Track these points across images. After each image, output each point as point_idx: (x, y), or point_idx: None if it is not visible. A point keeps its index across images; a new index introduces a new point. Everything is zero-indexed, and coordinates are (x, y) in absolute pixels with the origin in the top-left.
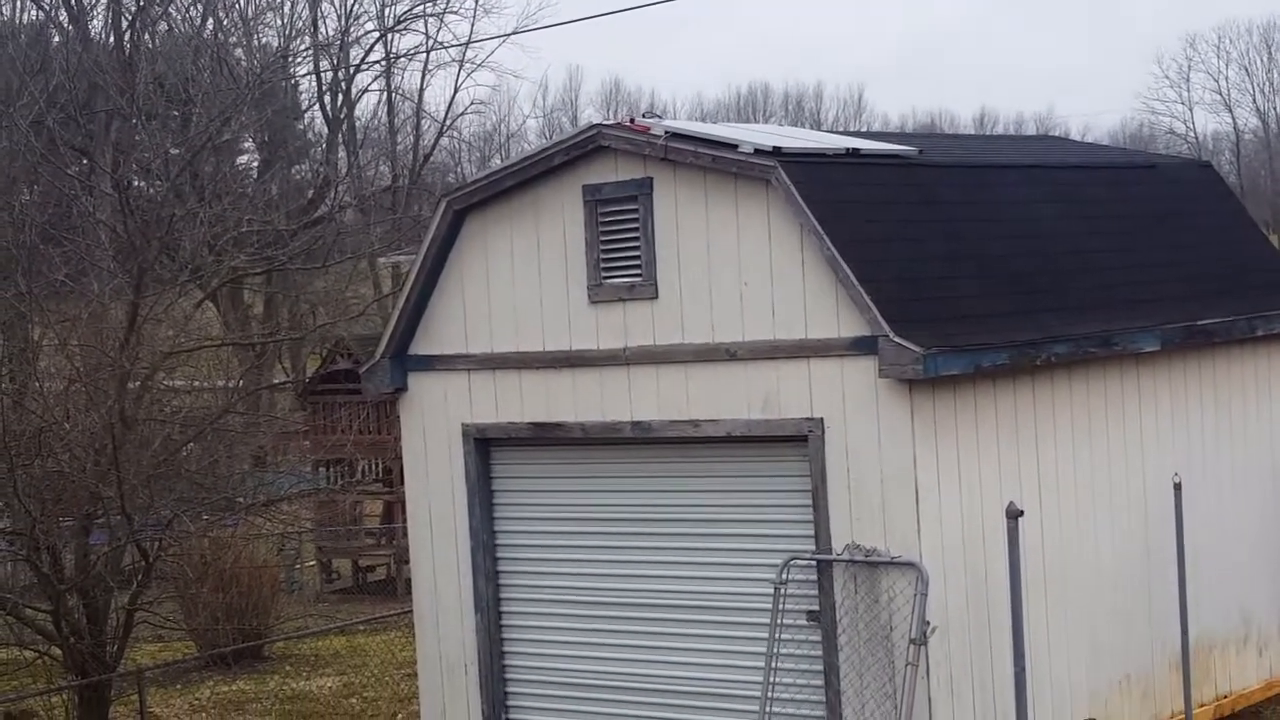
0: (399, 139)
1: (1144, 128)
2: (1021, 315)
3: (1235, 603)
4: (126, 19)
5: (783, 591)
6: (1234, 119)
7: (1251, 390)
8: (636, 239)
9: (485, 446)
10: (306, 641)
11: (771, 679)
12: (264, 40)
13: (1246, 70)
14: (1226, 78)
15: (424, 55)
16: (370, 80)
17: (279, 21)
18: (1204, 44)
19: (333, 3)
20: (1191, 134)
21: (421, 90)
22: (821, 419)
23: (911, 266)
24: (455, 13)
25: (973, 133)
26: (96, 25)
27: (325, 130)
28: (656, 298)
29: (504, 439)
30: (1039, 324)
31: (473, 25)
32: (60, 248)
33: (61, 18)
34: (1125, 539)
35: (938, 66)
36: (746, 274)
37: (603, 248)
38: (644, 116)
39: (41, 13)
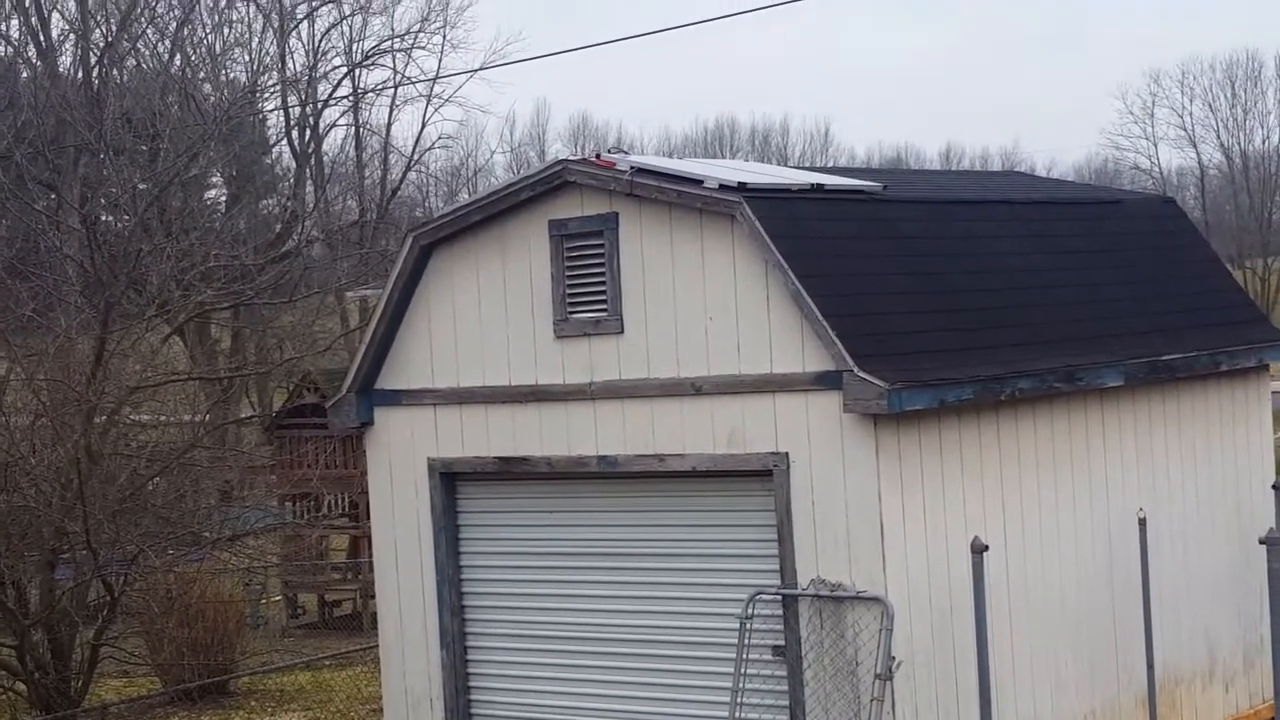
0: (366, 174)
1: (1109, 163)
2: (986, 350)
3: (1201, 637)
4: (95, 55)
5: (748, 626)
6: (1199, 154)
7: (1215, 425)
8: (602, 274)
9: (451, 481)
10: (272, 677)
11: (737, 714)
12: (232, 75)
13: (1210, 106)
14: (1191, 113)
15: (391, 90)
16: (338, 115)
17: (247, 57)
18: (1168, 80)
19: (300, 38)
20: (1156, 169)
21: (389, 125)
22: (786, 453)
23: (876, 301)
24: (423, 48)
25: (938, 168)
26: (65, 61)
27: (293, 165)
28: (622, 332)
29: (470, 473)
30: (1003, 359)
31: (440, 61)
32: (27, 282)
33: (30, 53)
34: (1090, 573)
35: (904, 101)
36: (711, 309)
37: (568, 283)
38: (609, 152)
39: (9, 48)
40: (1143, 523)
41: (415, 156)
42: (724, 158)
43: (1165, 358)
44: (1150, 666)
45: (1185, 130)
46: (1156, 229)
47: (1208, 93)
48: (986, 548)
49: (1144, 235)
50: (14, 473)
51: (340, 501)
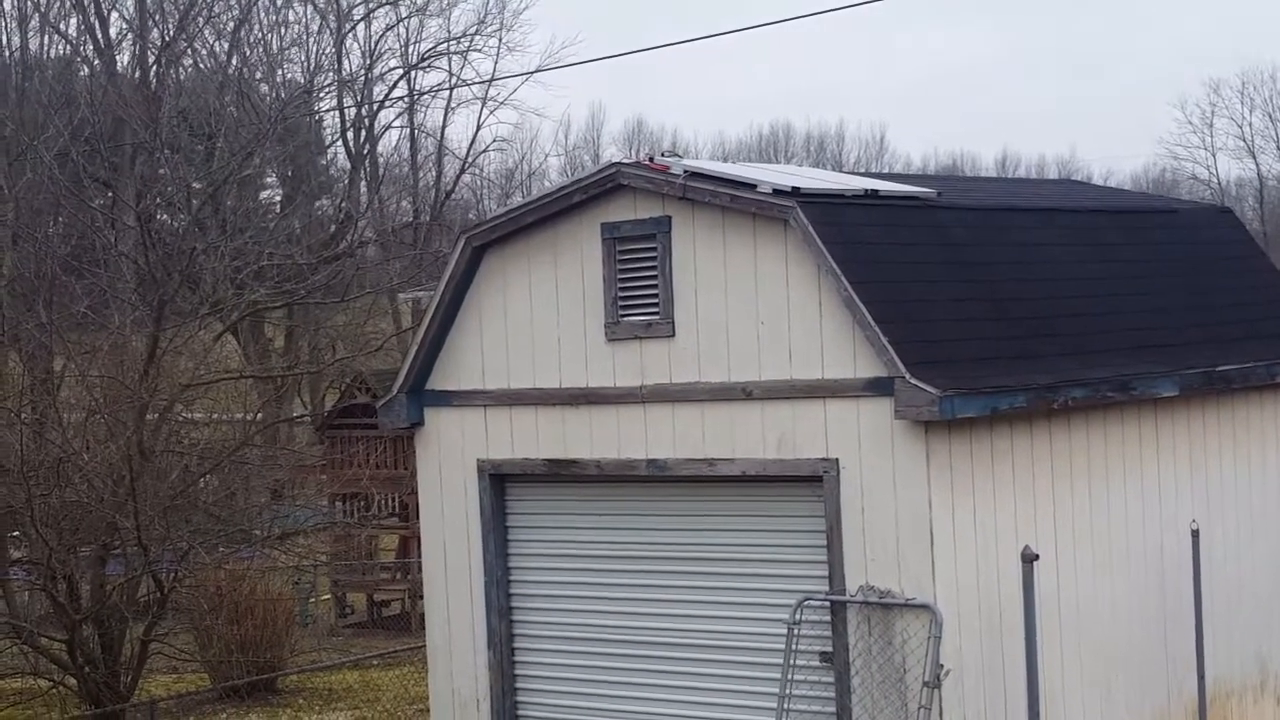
0: (421, 175)
1: (1167, 173)
2: (1039, 359)
3: (1252, 650)
4: (152, 53)
5: (796, 632)
6: (1258, 165)
7: (1271, 437)
8: (654, 277)
9: (500, 482)
10: (320, 675)
11: None
12: (288, 75)
13: (1270, 116)
14: (1250, 124)
15: (447, 92)
16: (393, 117)
17: (303, 57)
18: (1228, 89)
19: (357, 39)
20: (1215, 180)
21: (444, 127)
22: (837, 459)
23: (929, 308)
24: (479, 51)
25: (994, 175)
26: (123, 59)
27: (348, 166)
28: (673, 336)
29: (519, 475)
30: (1056, 368)
31: (496, 63)
32: (82, 279)
33: (88, 52)
34: (1141, 584)
35: (960, 108)
36: (763, 313)
37: (620, 286)
38: (663, 155)
39: (68, 47)
40: (1195, 534)
41: (469, 159)
42: (778, 163)
43: (1220, 368)
44: (1201, 679)
45: (1245, 141)
46: (1213, 239)
47: (1268, 103)
48: (1037, 557)
49: (1200, 245)
50: (67, 468)
51: (390, 501)
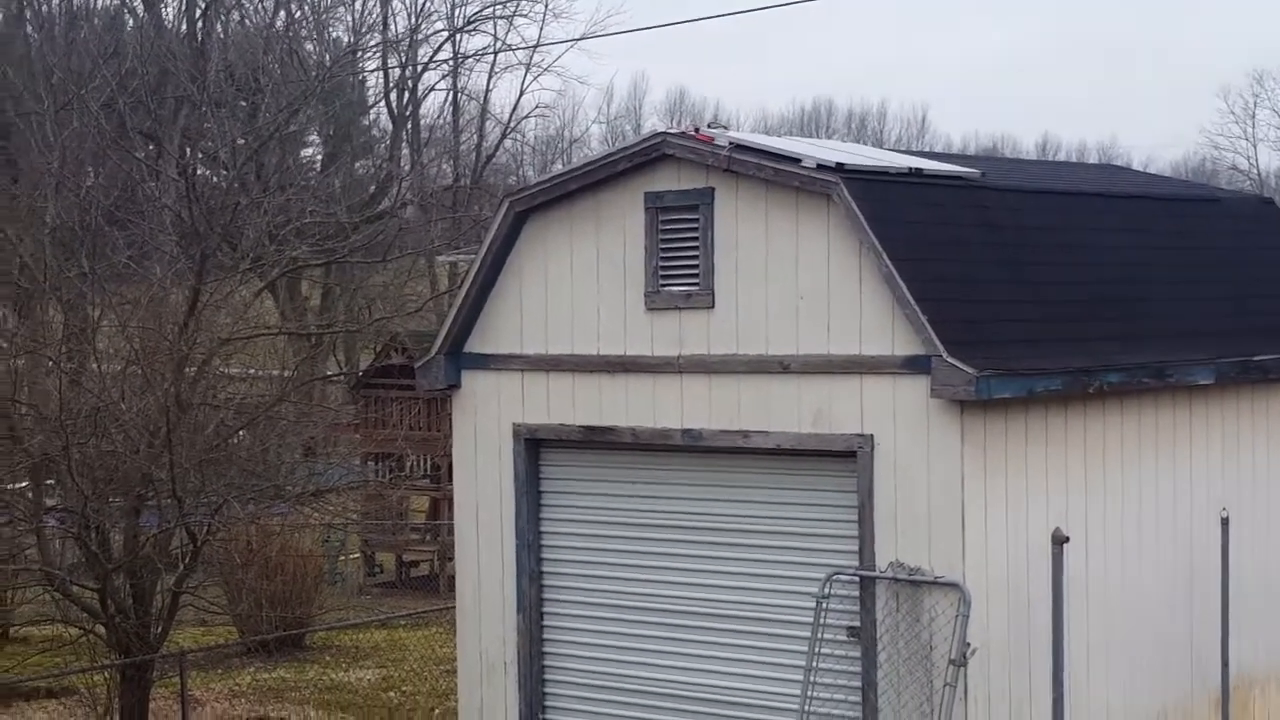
0: (462, 139)
1: (1207, 162)
2: (1076, 342)
3: (1277, 641)
4: (200, 7)
5: (824, 606)
6: None
7: None
8: (696, 248)
9: (535, 447)
10: (347, 633)
11: (809, 693)
12: (334, 35)
13: None
14: None
15: (491, 57)
16: (437, 79)
17: (350, 17)
18: (1271, 81)
19: (403, 1)
20: (1255, 171)
21: (487, 91)
22: (871, 436)
23: (969, 288)
24: (524, 16)
25: (1035, 158)
26: (170, 12)
27: (390, 127)
28: (713, 307)
29: (554, 440)
30: (1094, 352)
31: (541, 29)
32: (124, 231)
33: (136, 4)
34: (1170, 571)
35: (1002, 92)
36: (803, 288)
37: (662, 255)
38: (709, 127)
39: None
40: (1225, 522)
41: (511, 124)
42: (821, 139)
43: (1258, 358)
44: (1225, 667)
45: None
46: (1255, 229)
47: None
48: (1067, 539)
49: (1242, 234)
50: (103, 418)
51: (423, 463)
